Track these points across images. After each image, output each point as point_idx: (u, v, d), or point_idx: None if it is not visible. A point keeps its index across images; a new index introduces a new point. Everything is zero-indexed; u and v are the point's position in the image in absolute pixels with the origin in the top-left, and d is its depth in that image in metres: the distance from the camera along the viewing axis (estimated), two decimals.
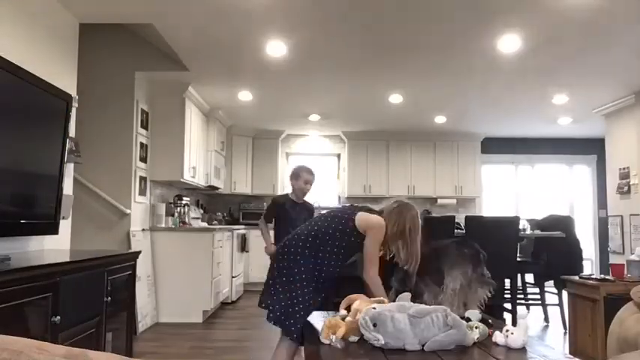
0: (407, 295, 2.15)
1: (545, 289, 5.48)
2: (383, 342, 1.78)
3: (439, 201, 8.19)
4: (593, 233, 8.44)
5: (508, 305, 4.37)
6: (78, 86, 3.79)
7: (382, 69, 5.03)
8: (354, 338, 1.89)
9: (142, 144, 5.13)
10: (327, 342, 1.85)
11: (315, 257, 2.55)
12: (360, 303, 2.04)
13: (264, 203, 8.24)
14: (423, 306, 1.91)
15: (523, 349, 1.90)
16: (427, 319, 1.82)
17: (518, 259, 4.68)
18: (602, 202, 7.93)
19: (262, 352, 4.12)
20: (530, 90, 5.67)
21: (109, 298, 2.83)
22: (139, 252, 3.41)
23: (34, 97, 2.75)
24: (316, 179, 4.05)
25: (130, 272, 3.20)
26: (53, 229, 3.03)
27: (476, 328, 1.96)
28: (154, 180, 5.45)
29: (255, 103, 6.43)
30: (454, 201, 8.21)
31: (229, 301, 6.41)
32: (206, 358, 3.94)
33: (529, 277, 5.85)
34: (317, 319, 2.35)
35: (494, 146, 8.39)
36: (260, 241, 7.55)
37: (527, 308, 6.22)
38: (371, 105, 6.46)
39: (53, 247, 3.31)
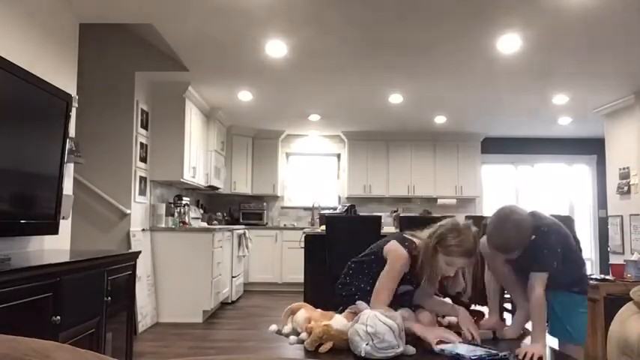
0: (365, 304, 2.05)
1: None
2: (400, 350, 1.77)
3: (439, 201, 8.19)
4: (593, 233, 8.44)
5: (508, 305, 4.36)
6: (78, 86, 3.78)
7: (382, 69, 5.03)
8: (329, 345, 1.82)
9: (142, 144, 5.13)
10: (311, 349, 1.81)
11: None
12: (307, 312, 1.99)
13: (264, 203, 8.25)
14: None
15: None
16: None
17: None
18: (602, 202, 7.93)
19: (262, 352, 4.12)
20: (530, 90, 5.67)
21: (109, 298, 2.82)
22: (139, 252, 3.41)
23: (34, 97, 2.75)
24: None
25: (130, 272, 3.20)
26: (53, 229, 3.03)
27: None
28: (153, 180, 5.45)
29: (255, 103, 6.43)
30: (454, 201, 8.21)
31: (229, 301, 6.42)
32: None
33: None
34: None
35: (494, 146, 8.39)
36: (260, 241, 7.68)
37: None
38: (371, 105, 6.45)
39: (53, 247, 3.31)
